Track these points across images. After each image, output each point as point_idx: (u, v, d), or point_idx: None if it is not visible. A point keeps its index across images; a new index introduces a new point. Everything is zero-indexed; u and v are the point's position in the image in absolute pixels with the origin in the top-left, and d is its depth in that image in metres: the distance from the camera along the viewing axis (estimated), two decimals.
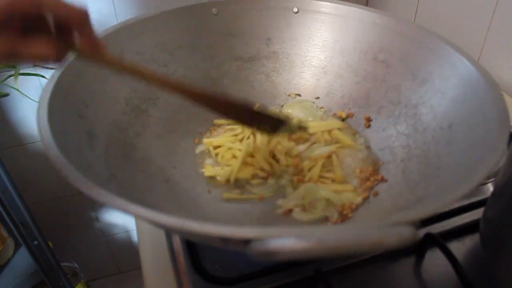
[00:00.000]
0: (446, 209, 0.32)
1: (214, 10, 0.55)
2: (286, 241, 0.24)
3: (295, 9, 0.56)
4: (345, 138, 0.51)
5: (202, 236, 0.28)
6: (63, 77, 0.41)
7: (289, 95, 0.58)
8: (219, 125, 0.56)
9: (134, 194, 0.41)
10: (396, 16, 0.51)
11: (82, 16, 0.34)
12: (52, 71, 0.41)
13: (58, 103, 0.38)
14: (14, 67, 0.75)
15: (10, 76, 0.75)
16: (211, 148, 0.52)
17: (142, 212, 0.28)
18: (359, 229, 0.26)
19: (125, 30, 0.50)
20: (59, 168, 0.31)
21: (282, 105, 0.58)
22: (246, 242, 0.25)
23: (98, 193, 0.29)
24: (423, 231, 0.43)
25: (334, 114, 0.56)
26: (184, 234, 0.39)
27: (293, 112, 0.55)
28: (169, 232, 0.46)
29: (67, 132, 0.38)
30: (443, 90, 0.44)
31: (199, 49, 0.55)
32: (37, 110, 0.36)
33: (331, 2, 0.54)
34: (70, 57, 0.41)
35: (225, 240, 0.26)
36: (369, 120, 0.52)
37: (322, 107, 0.56)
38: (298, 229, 0.25)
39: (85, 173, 0.31)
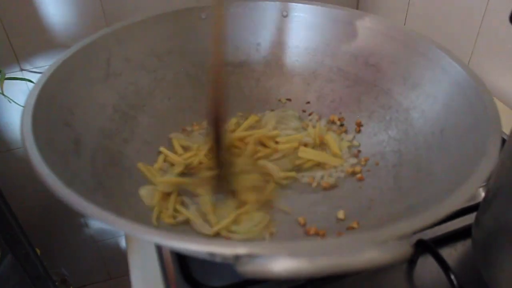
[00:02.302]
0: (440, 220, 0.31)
1: (203, 15, 0.55)
2: (276, 261, 0.24)
3: (285, 13, 0.56)
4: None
5: (190, 252, 0.28)
6: (49, 84, 0.40)
7: (279, 100, 0.58)
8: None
9: (121, 202, 0.40)
10: (387, 20, 0.51)
11: None
12: (39, 75, 0.40)
13: (43, 110, 0.38)
14: None
15: None
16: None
17: (127, 226, 0.27)
18: (352, 247, 0.25)
19: (113, 35, 0.49)
20: (42, 178, 0.30)
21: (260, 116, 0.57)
22: (236, 257, 0.25)
23: (81, 205, 0.28)
24: (415, 237, 0.43)
25: (327, 120, 0.55)
26: (172, 249, 0.39)
27: (269, 124, 0.54)
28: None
29: (52, 140, 0.37)
30: (435, 94, 0.44)
31: (188, 54, 0.55)
32: (21, 118, 0.35)
33: (322, 6, 0.54)
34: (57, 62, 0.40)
35: (213, 255, 0.25)
36: (359, 125, 0.52)
37: (311, 113, 0.56)
38: (290, 246, 0.25)
39: (70, 183, 0.30)
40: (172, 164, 0.49)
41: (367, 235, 0.26)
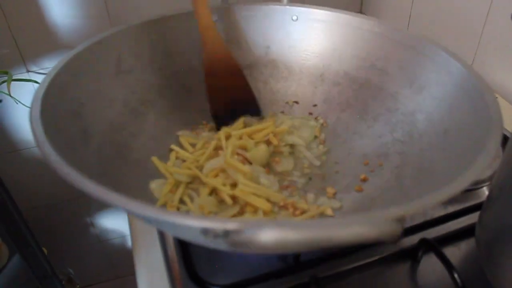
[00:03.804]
0: (432, 209, 0.31)
1: (214, 17, 0.55)
2: (264, 232, 0.24)
3: (295, 17, 0.57)
4: None
5: (181, 228, 0.28)
6: (59, 76, 0.41)
7: (287, 103, 0.58)
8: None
9: (125, 193, 0.40)
10: (394, 25, 0.51)
11: None
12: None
13: (52, 100, 0.38)
14: (6, 73, 0.74)
15: (3, 82, 0.75)
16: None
17: (120, 201, 0.28)
18: (340, 221, 0.26)
19: (124, 33, 0.50)
20: (49, 161, 0.31)
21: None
22: (226, 233, 0.25)
23: (86, 184, 0.29)
24: (418, 236, 0.43)
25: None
26: (164, 226, 0.39)
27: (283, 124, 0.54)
28: (149, 224, 0.46)
29: (59, 125, 0.38)
30: (440, 96, 0.44)
31: (198, 56, 0.55)
32: (30, 105, 0.36)
33: (330, 11, 0.55)
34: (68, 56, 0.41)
35: (205, 231, 0.26)
36: (365, 180, 0.50)
37: (317, 117, 0.56)
38: (278, 220, 0.25)
39: (77, 166, 0.30)
40: (184, 160, 0.50)
41: (357, 215, 0.26)
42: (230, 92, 0.55)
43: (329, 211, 0.44)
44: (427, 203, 0.28)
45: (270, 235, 0.24)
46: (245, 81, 0.56)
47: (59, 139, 0.35)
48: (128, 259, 1.26)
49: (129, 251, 1.24)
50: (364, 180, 0.47)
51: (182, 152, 0.50)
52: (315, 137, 0.54)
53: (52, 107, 0.38)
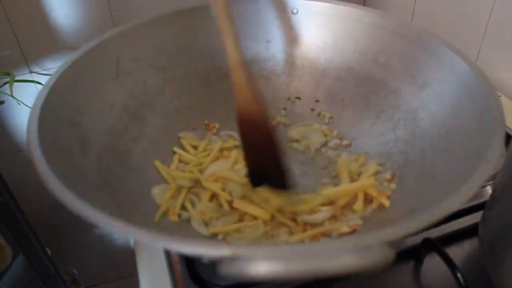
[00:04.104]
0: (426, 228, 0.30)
1: (212, 13, 0.55)
2: (254, 264, 0.24)
3: (295, 10, 0.56)
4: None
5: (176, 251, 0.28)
6: (58, 84, 0.40)
7: (288, 99, 0.58)
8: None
9: (126, 200, 0.40)
10: (397, 18, 0.50)
11: None
12: (48, 77, 0.41)
13: (51, 110, 0.38)
14: (8, 73, 0.74)
15: (5, 83, 0.75)
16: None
17: (116, 226, 0.28)
18: (329, 252, 0.25)
19: (122, 35, 0.49)
20: (41, 175, 0.31)
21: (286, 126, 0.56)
22: (221, 258, 0.25)
23: (77, 206, 0.29)
24: (421, 236, 0.43)
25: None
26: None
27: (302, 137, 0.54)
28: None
29: (57, 139, 0.37)
30: (443, 94, 0.44)
31: (198, 53, 0.55)
32: (28, 117, 0.36)
33: (331, 3, 0.54)
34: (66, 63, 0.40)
35: (199, 256, 0.26)
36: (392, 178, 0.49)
37: (320, 113, 0.56)
38: (270, 249, 0.25)
39: (72, 182, 0.30)
40: (186, 163, 0.50)
41: (347, 241, 0.26)
42: (263, 155, 0.46)
43: (345, 228, 0.42)
44: (421, 224, 0.27)
45: (260, 268, 0.24)
46: (276, 150, 0.45)
47: (57, 155, 0.35)
48: (131, 260, 1.26)
49: (132, 251, 1.24)
50: None
51: (185, 155, 0.50)
52: (325, 136, 0.54)
53: (50, 120, 0.37)
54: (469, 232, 0.45)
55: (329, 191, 0.45)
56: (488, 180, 0.49)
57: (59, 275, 0.94)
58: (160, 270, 0.44)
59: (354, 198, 0.45)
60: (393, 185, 0.45)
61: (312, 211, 0.44)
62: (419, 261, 0.43)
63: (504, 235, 0.37)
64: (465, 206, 0.47)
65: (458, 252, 0.43)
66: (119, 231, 0.27)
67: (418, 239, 0.43)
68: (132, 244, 1.22)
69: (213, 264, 0.42)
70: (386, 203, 0.43)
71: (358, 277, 0.42)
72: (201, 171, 0.49)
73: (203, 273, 0.42)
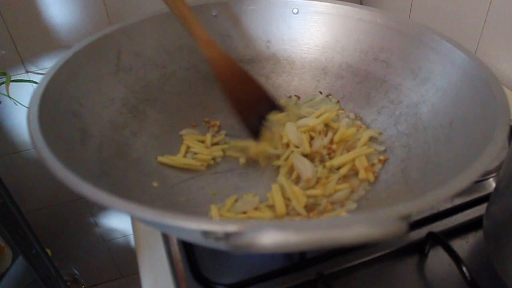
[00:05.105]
0: (438, 204, 0.30)
1: (213, 12, 0.55)
2: (264, 234, 0.24)
3: (295, 10, 0.56)
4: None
5: (181, 230, 0.28)
6: (58, 75, 0.40)
7: (289, 97, 0.58)
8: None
9: (125, 191, 0.40)
10: (396, 15, 0.51)
11: None
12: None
13: (51, 100, 0.38)
14: (4, 73, 0.74)
15: (2, 83, 0.74)
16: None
17: (122, 205, 0.27)
18: (344, 221, 0.25)
19: (123, 31, 0.50)
20: (45, 161, 0.30)
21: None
22: (226, 236, 0.25)
23: (83, 186, 0.28)
24: (425, 230, 0.43)
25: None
26: (164, 228, 0.38)
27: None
28: (149, 225, 0.45)
29: (58, 127, 0.37)
30: (444, 87, 0.44)
31: (198, 51, 0.55)
32: (28, 106, 0.36)
33: (332, 2, 0.54)
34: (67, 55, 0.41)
35: (205, 234, 0.26)
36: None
37: (329, 95, 0.56)
38: (279, 221, 0.25)
39: (74, 168, 0.30)
40: (195, 153, 0.50)
41: (360, 214, 0.26)
42: (250, 99, 0.52)
43: (343, 214, 0.43)
44: (432, 200, 0.27)
45: (271, 237, 0.24)
46: (256, 82, 0.53)
47: (57, 141, 0.35)
48: (133, 258, 1.26)
49: (133, 250, 1.24)
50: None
51: (196, 144, 0.50)
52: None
53: (51, 108, 0.37)
54: (474, 225, 0.44)
55: (332, 161, 0.47)
56: (492, 172, 0.49)
57: (60, 275, 0.94)
58: (162, 269, 0.44)
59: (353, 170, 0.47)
60: (379, 166, 0.46)
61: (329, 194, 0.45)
62: (423, 255, 0.43)
63: (509, 227, 0.37)
64: (468, 199, 0.46)
65: (462, 245, 0.43)
66: (121, 208, 0.27)
67: (422, 233, 0.42)
68: (133, 242, 1.22)
69: (219, 262, 0.42)
70: (371, 177, 0.45)
71: (362, 271, 0.42)
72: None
73: (205, 271, 0.42)
